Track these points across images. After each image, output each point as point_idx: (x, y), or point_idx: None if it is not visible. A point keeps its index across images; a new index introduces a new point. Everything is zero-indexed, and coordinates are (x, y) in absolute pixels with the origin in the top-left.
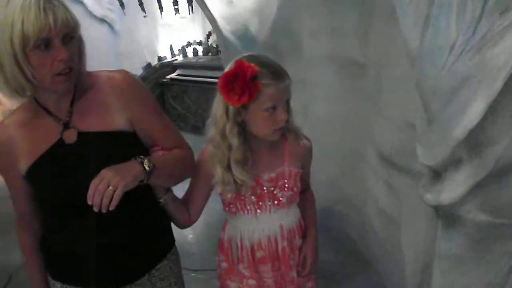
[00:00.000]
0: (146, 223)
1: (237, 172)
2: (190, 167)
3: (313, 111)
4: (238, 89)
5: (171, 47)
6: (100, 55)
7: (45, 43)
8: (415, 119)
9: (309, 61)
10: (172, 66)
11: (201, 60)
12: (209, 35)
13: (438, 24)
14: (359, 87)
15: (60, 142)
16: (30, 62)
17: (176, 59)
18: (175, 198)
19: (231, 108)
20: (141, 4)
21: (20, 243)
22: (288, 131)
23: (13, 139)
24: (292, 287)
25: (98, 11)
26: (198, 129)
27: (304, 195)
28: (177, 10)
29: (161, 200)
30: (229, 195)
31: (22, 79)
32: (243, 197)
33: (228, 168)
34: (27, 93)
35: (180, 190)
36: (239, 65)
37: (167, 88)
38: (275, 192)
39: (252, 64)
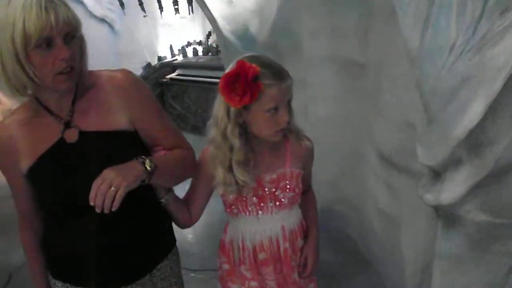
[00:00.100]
0: (147, 223)
1: (239, 173)
2: (192, 167)
3: (313, 111)
4: (239, 89)
5: (171, 47)
6: (100, 55)
7: (47, 42)
8: (415, 119)
9: (309, 61)
10: (172, 66)
11: (201, 60)
12: (209, 35)
13: (438, 24)
14: (359, 87)
15: (61, 142)
16: (32, 61)
17: (176, 59)
18: (176, 198)
19: (232, 109)
20: (141, 4)
21: (22, 242)
22: (289, 132)
23: (14, 138)
24: None
25: (98, 11)
26: (198, 129)
27: (305, 196)
28: (177, 10)
29: (162, 200)
30: (231, 197)
31: (23, 78)
32: (244, 198)
33: (230, 169)
34: (28, 91)
35: (181, 190)
36: (240, 65)
37: (167, 88)
38: (276, 193)
39: (254, 65)
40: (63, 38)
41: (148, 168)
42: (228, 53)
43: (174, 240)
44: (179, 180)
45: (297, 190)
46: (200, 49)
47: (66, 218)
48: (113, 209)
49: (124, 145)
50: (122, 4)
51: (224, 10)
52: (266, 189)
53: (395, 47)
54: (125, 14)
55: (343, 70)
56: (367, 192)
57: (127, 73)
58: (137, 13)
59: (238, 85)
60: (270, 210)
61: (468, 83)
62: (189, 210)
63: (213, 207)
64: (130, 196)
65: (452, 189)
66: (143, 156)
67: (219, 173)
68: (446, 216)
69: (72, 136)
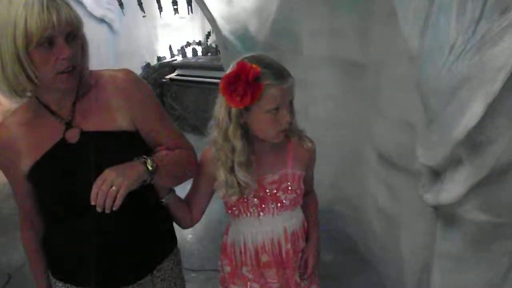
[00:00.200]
0: (148, 223)
1: (241, 174)
2: (193, 167)
3: (313, 111)
4: (240, 90)
5: (170, 47)
6: (100, 55)
7: (48, 41)
8: (415, 119)
9: (309, 61)
10: (171, 66)
11: (200, 60)
12: (208, 35)
13: (438, 24)
14: (359, 87)
15: (63, 142)
16: (33, 60)
17: (175, 59)
18: (177, 198)
19: (233, 110)
20: (140, 4)
21: (23, 243)
22: (291, 133)
23: (15, 139)
24: None
25: (98, 11)
26: (197, 129)
27: (307, 197)
28: (176, 10)
29: (163, 200)
30: (233, 198)
31: (23, 78)
32: (245, 200)
33: (232, 170)
34: (27, 93)
35: (181, 190)
36: (241, 66)
37: (166, 88)
38: (278, 194)
39: (254, 65)
40: (65, 37)
41: (150, 168)
42: (227, 53)
43: (175, 240)
44: (181, 180)
45: (298, 192)
46: (199, 49)
47: (66, 218)
48: (114, 209)
49: (126, 145)
50: (121, 4)
51: (224, 10)
52: (267, 190)
53: (395, 47)
54: (124, 14)
55: (343, 70)
56: (367, 192)
57: (129, 72)
58: (136, 13)
59: (239, 85)
60: (271, 212)
61: (467, 83)
62: (190, 210)
63: (214, 207)
64: (131, 196)
65: (452, 189)
66: (144, 156)
67: (221, 174)
68: (446, 216)
69: (73, 136)
